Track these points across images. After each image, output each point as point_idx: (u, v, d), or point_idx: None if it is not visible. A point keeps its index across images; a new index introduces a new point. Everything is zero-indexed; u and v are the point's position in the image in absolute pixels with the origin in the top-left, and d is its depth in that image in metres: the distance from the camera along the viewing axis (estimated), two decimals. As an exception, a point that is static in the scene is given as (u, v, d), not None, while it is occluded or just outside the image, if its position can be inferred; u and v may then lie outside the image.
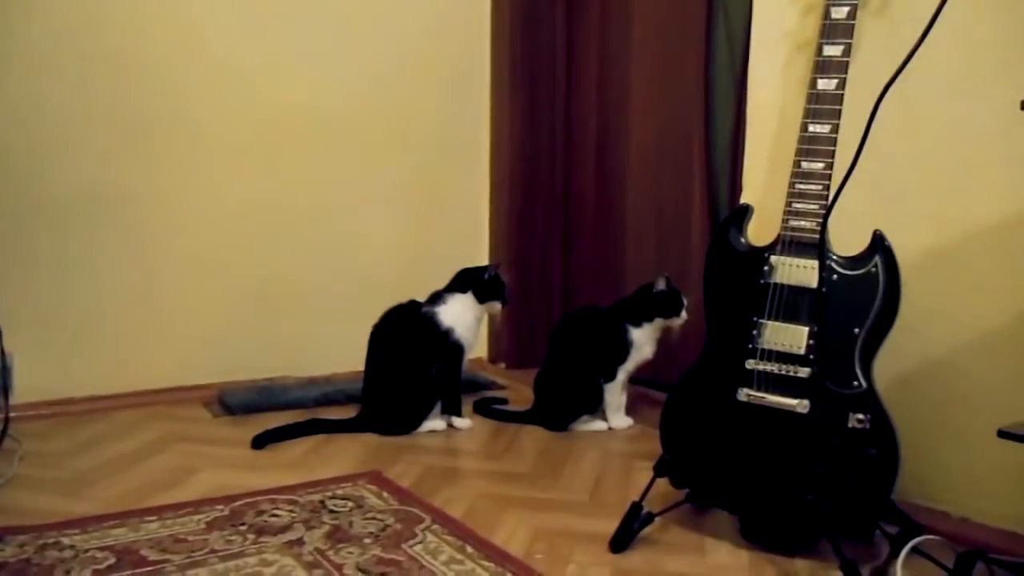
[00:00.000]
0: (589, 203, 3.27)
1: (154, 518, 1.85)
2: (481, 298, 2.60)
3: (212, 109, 2.81)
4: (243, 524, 1.83)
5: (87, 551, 1.68)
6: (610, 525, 1.84)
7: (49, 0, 2.53)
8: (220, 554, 1.68)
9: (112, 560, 1.64)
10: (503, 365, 3.39)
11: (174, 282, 2.79)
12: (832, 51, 1.83)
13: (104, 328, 2.68)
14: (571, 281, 3.39)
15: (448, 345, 2.54)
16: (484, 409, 2.77)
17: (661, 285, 2.55)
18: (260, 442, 2.36)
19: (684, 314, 2.57)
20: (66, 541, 1.72)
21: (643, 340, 2.60)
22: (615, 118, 3.14)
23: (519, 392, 2.99)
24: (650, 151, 3.00)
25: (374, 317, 2.60)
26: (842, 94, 1.80)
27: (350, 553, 1.71)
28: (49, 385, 2.57)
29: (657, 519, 1.84)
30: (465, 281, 2.62)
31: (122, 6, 2.63)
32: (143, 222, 2.72)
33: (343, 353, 2.93)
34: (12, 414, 2.34)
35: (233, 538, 1.76)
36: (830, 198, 1.72)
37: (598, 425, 2.64)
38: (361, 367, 2.62)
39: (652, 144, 2.99)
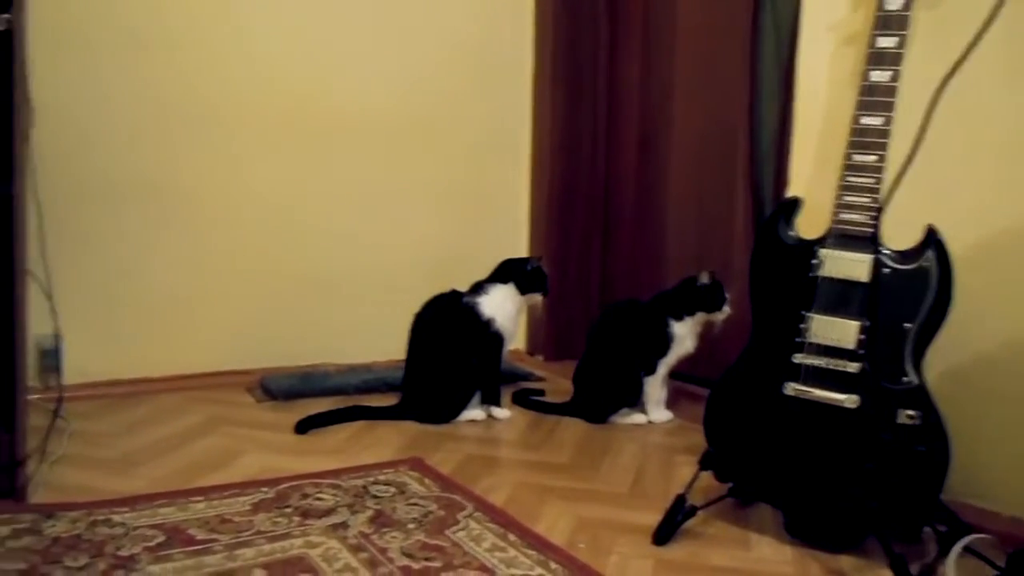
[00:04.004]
0: (629, 196, 3.26)
1: (201, 498, 1.88)
2: (523, 289, 2.61)
3: (261, 101, 2.84)
4: (288, 506, 1.85)
5: (136, 528, 1.70)
6: (651, 517, 1.84)
7: (103, -11, 2.57)
8: (267, 535, 1.70)
9: (161, 538, 1.67)
10: (541, 357, 3.40)
11: (219, 269, 2.83)
12: (886, 43, 1.81)
13: (150, 312, 2.72)
14: (610, 274, 3.38)
15: (489, 335, 2.55)
16: (523, 400, 2.78)
17: (704, 279, 2.54)
18: (303, 427, 2.38)
19: (727, 308, 2.55)
20: (116, 518, 1.75)
21: (684, 334, 2.58)
22: (657, 111, 3.12)
23: (556, 384, 2.99)
24: (693, 144, 2.99)
25: (414, 307, 2.61)
26: (896, 86, 1.77)
27: (394, 537, 1.73)
28: (96, 367, 2.61)
29: (700, 512, 1.83)
30: (507, 272, 2.63)
31: (174, -3, 2.68)
32: (191, 209, 2.76)
33: (383, 342, 2.96)
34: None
35: (279, 520, 1.78)
36: (885, 191, 1.70)
37: (637, 418, 2.64)
38: (401, 356, 2.64)
39: (695, 137, 2.97)
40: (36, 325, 1.91)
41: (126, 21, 2.61)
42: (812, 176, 2.27)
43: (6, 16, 1.78)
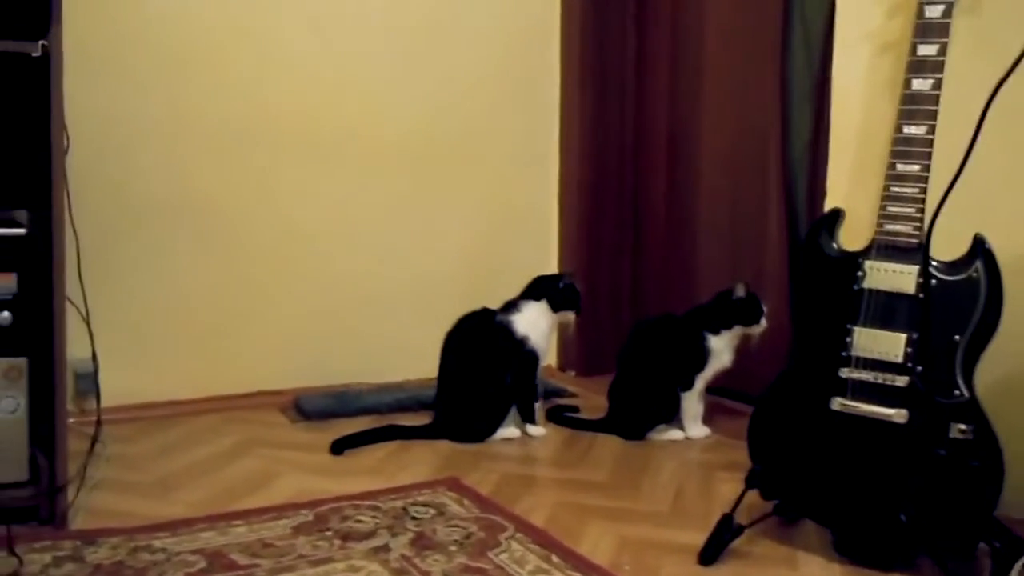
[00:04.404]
0: (659, 209, 3.23)
1: (241, 522, 1.86)
2: (555, 307, 2.58)
3: (289, 119, 2.85)
4: (328, 529, 1.84)
5: (178, 554, 1.70)
6: (694, 536, 1.81)
7: (137, 10, 2.59)
8: (309, 559, 1.69)
9: (203, 564, 1.66)
10: (573, 372, 3.37)
11: (253, 290, 2.83)
12: (927, 50, 1.78)
13: (184, 333, 2.72)
14: (640, 288, 3.35)
15: (523, 353, 2.53)
16: (557, 417, 2.75)
17: (740, 292, 2.51)
18: (339, 447, 2.37)
19: (764, 321, 2.52)
20: (157, 544, 1.74)
21: (721, 348, 2.55)
22: (687, 122, 3.09)
23: (589, 400, 2.96)
24: (724, 155, 2.96)
25: (444, 323, 2.60)
26: (938, 94, 1.75)
27: (436, 560, 1.71)
28: (131, 389, 2.61)
29: (745, 531, 1.80)
30: (540, 289, 2.61)
31: (208, 17, 2.68)
32: (224, 230, 2.77)
33: (415, 359, 2.94)
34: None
35: (320, 543, 1.76)
36: (935, 201, 1.66)
37: (675, 435, 2.60)
38: (432, 373, 2.62)
39: (726, 148, 2.95)
40: (71, 348, 1.92)
41: (161, 44, 2.63)
42: (850, 187, 2.23)
43: (42, 42, 1.79)
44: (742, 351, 2.59)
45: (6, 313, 1.77)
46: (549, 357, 3.27)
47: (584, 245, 3.35)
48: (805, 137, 2.67)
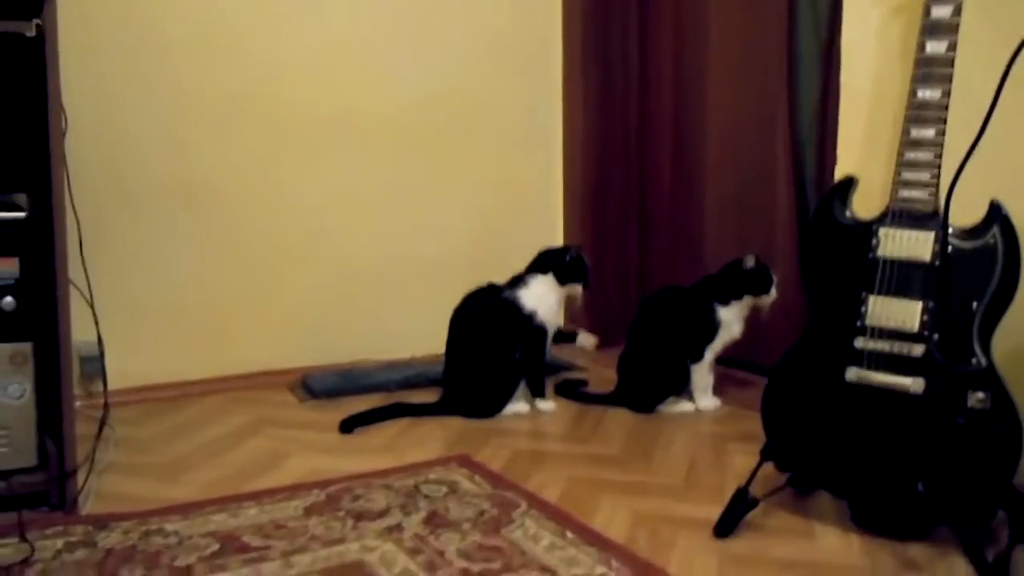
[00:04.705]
0: (665, 181, 3.19)
1: (252, 503, 1.85)
2: (562, 280, 2.56)
3: (292, 101, 2.82)
4: (340, 509, 1.82)
5: (190, 537, 1.68)
6: (709, 509, 1.80)
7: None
8: (322, 540, 1.68)
9: (216, 546, 1.65)
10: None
11: (257, 268, 2.81)
12: (941, 12, 1.74)
13: (189, 314, 2.71)
14: (648, 262, 3.32)
15: (532, 328, 2.51)
16: (567, 391, 2.73)
17: (750, 262, 2.48)
18: (348, 426, 2.36)
19: (774, 291, 2.49)
20: (169, 527, 1.73)
21: (731, 319, 2.53)
22: (692, 93, 3.05)
23: (597, 373, 2.95)
24: (730, 125, 2.91)
25: (451, 300, 2.58)
26: (953, 56, 1.71)
27: (450, 539, 1.69)
28: (138, 371, 2.60)
29: (760, 503, 1.78)
30: (546, 262, 2.58)
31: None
32: (228, 210, 2.75)
33: (421, 336, 2.95)
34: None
35: (332, 524, 1.75)
36: (950, 167, 1.63)
37: (685, 407, 2.59)
38: (439, 349, 2.60)
39: (732, 117, 2.90)
40: (75, 331, 1.90)
41: (159, 24, 2.60)
42: (862, 154, 2.20)
43: (36, 21, 1.75)
44: (751, 321, 2.57)
45: (9, 298, 1.75)
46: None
47: (589, 220, 3.32)
48: (813, 106, 2.63)
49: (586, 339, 2.63)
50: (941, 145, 1.69)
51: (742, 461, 2.14)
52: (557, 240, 3.36)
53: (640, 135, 3.29)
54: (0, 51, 1.74)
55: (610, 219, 3.32)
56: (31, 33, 1.75)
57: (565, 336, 2.79)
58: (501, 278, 2.59)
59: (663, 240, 3.22)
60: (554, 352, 2.77)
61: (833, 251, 1.80)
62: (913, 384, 1.67)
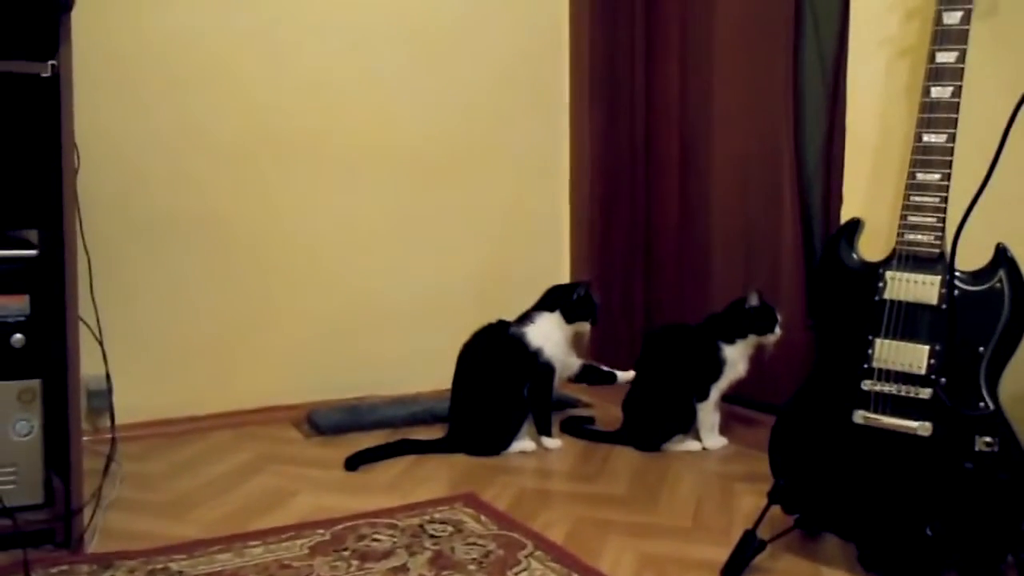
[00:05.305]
0: (672, 219, 3.20)
1: (258, 542, 1.85)
2: (569, 318, 2.56)
3: (299, 133, 2.84)
4: (345, 549, 1.82)
5: (195, 577, 1.68)
6: (717, 551, 1.79)
7: (143, 27, 2.58)
8: (327, 581, 1.67)
9: (221, 586, 1.64)
10: (585, 383, 3.34)
11: (263, 303, 2.82)
12: (945, 58, 1.75)
13: (196, 349, 2.71)
14: (653, 298, 3.32)
15: (538, 365, 2.51)
16: (572, 428, 2.73)
17: (754, 300, 2.49)
18: (353, 463, 2.35)
19: (778, 330, 2.49)
20: (174, 567, 1.72)
21: (736, 357, 2.53)
22: (698, 131, 3.06)
23: (603, 410, 2.94)
24: (736, 163, 2.93)
25: (457, 335, 2.58)
26: (958, 102, 1.72)
27: (456, 580, 1.69)
28: (144, 406, 2.60)
29: (768, 546, 1.77)
30: (553, 300, 2.59)
31: (215, 33, 2.68)
32: (234, 244, 2.76)
33: (427, 372, 2.94)
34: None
35: (337, 564, 1.75)
36: (956, 210, 1.64)
37: (691, 445, 2.58)
38: (445, 385, 2.61)
39: (738, 156, 2.92)
40: (83, 366, 1.91)
41: (168, 61, 2.63)
42: (868, 195, 2.21)
43: (51, 62, 1.78)
44: (756, 359, 2.57)
45: (19, 335, 1.76)
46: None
47: (596, 255, 3.32)
48: (819, 146, 2.65)
49: (625, 376, 2.64)
50: (947, 189, 1.69)
51: (750, 501, 2.13)
52: (564, 274, 3.37)
53: (647, 171, 3.30)
54: (16, 91, 1.77)
55: (617, 254, 3.33)
56: (46, 74, 1.77)
57: (602, 376, 2.76)
58: (509, 314, 2.60)
59: (669, 275, 3.22)
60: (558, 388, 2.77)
61: (840, 293, 1.81)
62: (920, 427, 1.67)
